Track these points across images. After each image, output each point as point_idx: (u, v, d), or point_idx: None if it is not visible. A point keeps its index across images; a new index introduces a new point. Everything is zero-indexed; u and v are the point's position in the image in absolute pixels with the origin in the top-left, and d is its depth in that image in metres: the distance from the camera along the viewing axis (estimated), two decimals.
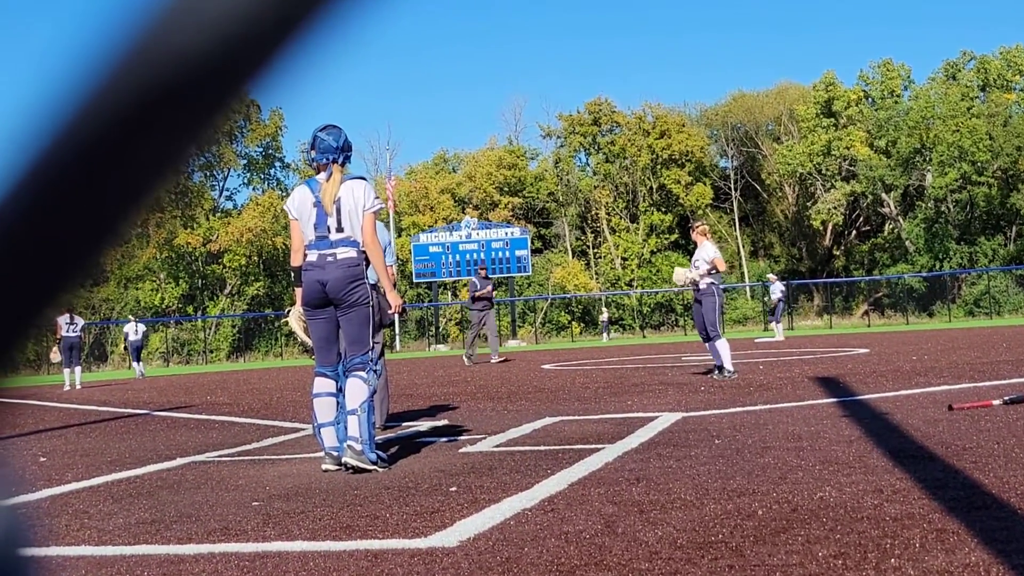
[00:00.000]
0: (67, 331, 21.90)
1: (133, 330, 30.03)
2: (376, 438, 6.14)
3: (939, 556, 3.05)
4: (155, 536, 4.11)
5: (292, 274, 6.31)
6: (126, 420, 11.38)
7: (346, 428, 5.79)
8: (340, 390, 5.98)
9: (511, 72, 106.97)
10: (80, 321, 22.88)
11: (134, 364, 30.68)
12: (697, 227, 12.58)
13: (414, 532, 3.88)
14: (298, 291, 6.16)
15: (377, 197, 6.16)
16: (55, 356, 22.79)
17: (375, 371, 6.01)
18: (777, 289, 30.00)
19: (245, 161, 58.65)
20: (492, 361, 21.41)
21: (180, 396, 15.94)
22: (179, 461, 6.76)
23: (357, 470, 5.67)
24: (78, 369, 22.69)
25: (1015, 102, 56.90)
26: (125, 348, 31.18)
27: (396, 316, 6.72)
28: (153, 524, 4.39)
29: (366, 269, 6.04)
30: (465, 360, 21.32)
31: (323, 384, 6.05)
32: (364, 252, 6.01)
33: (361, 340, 5.94)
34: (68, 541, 4.11)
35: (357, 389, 5.84)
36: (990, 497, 3.92)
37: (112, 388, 21.67)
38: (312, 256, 5.98)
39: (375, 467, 5.71)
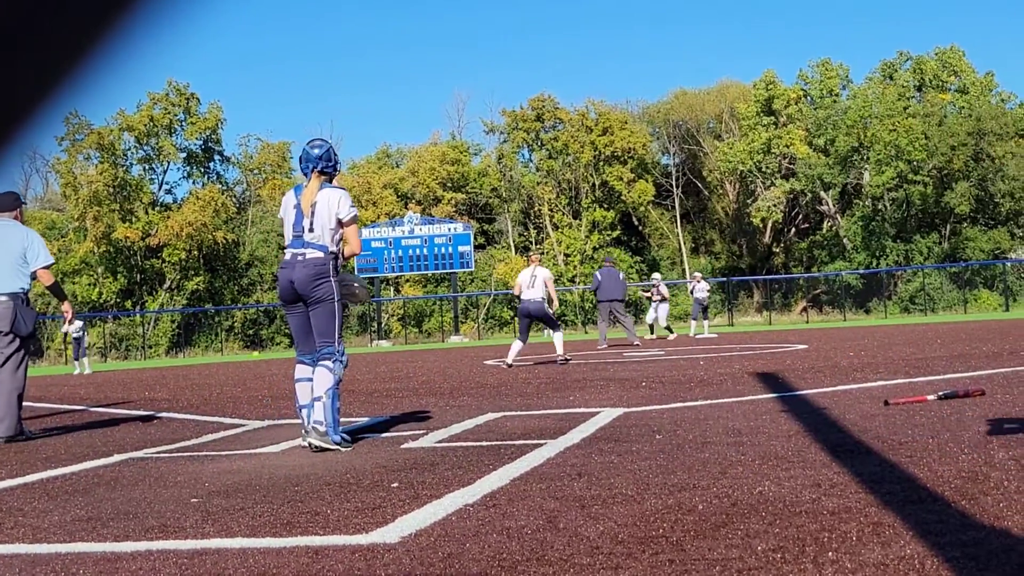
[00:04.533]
0: None
1: (73, 328, 28.83)
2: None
3: (875, 549, 3.09)
4: (91, 534, 4.05)
5: None
6: (62, 416, 11.21)
7: (312, 412, 6.45)
8: None
9: (454, 67, 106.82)
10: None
11: (75, 360, 29.61)
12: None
13: (355, 528, 3.87)
14: None
15: (352, 206, 6.78)
16: None
17: (341, 361, 6.65)
18: (703, 288, 30.24)
19: (185, 154, 57.93)
20: None
21: (118, 392, 15.73)
22: (116, 458, 6.67)
23: (322, 450, 6.31)
24: None
25: (950, 102, 57.84)
26: (66, 344, 30.21)
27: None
28: (89, 521, 4.33)
29: (333, 269, 6.64)
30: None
31: (303, 370, 6.72)
32: (333, 254, 6.64)
33: (327, 333, 6.61)
34: (1, 539, 4.04)
35: (324, 377, 6.52)
36: (925, 491, 3.98)
37: (48, 383, 21.33)
38: (287, 255, 6.69)
39: (338, 447, 6.36)
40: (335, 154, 6.91)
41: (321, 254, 6.58)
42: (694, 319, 30.73)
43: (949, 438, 5.41)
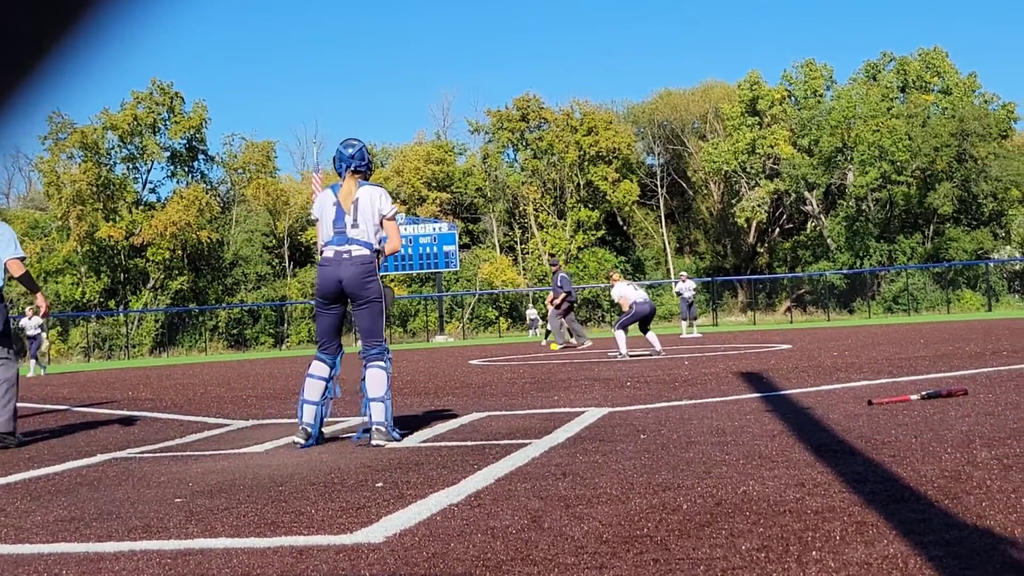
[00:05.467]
0: None
1: (30, 325, 27.55)
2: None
3: (859, 548, 3.10)
4: (74, 534, 4.03)
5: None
6: (45, 416, 11.15)
7: (371, 414, 6.50)
8: (332, 377, 6.76)
9: (439, 67, 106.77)
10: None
11: (30, 359, 27.85)
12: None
13: (339, 528, 3.86)
14: None
15: (394, 204, 6.83)
16: None
17: (389, 359, 6.72)
18: (689, 288, 30.10)
19: (169, 154, 57.72)
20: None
21: (101, 391, 15.66)
22: (99, 458, 6.64)
23: (385, 445, 6.41)
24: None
25: (933, 103, 58.08)
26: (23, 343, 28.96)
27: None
28: (72, 522, 4.31)
29: (378, 267, 6.67)
30: None
31: (319, 368, 6.74)
32: (377, 251, 6.66)
33: (374, 332, 6.68)
34: None
35: (378, 379, 6.58)
36: (908, 490, 4.00)
37: (30, 383, 21.22)
38: (329, 252, 6.62)
39: (398, 442, 6.49)
40: (368, 153, 6.92)
41: (367, 251, 6.58)
42: (684, 319, 30.62)
43: (932, 438, 5.43)
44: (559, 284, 23.76)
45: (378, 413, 6.50)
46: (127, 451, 6.96)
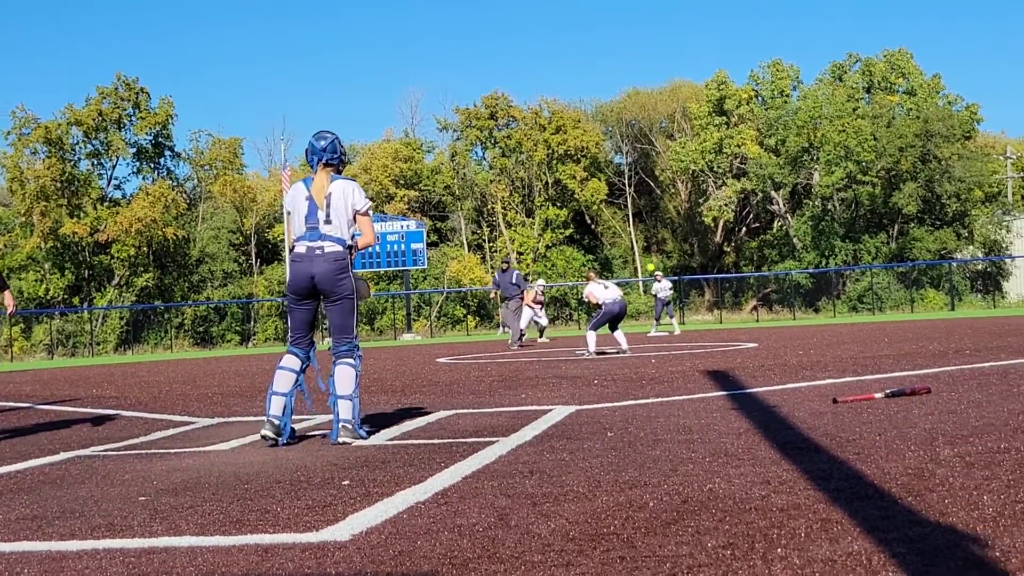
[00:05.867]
0: None
1: None
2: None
3: (823, 545, 3.12)
4: (36, 532, 4.00)
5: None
6: (7, 414, 11.04)
7: (338, 411, 6.49)
8: (303, 371, 6.72)
9: (407, 64, 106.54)
10: None
11: None
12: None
13: (305, 526, 3.85)
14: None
15: (367, 198, 6.77)
16: None
17: (358, 356, 6.68)
18: (665, 287, 30.12)
19: (134, 150, 57.23)
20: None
21: (64, 389, 15.52)
22: (62, 455, 6.58)
23: (352, 442, 6.41)
24: None
25: (898, 104, 58.53)
26: None
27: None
28: (34, 520, 4.27)
29: (351, 262, 6.64)
30: None
31: (290, 360, 6.69)
32: (350, 247, 6.61)
33: (346, 329, 6.64)
34: None
35: (347, 376, 6.55)
36: (872, 487, 4.03)
37: None
38: (301, 248, 6.55)
39: (365, 440, 6.50)
40: (341, 146, 6.84)
41: (340, 247, 6.53)
42: (657, 319, 30.56)
43: (896, 435, 5.47)
44: (515, 282, 23.84)
45: (345, 410, 6.47)
46: (91, 449, 6.90)
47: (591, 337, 16.71)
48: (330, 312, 6.66)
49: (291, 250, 6.66)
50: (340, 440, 6.41)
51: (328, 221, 6.52)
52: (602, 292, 16.70)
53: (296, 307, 6.69)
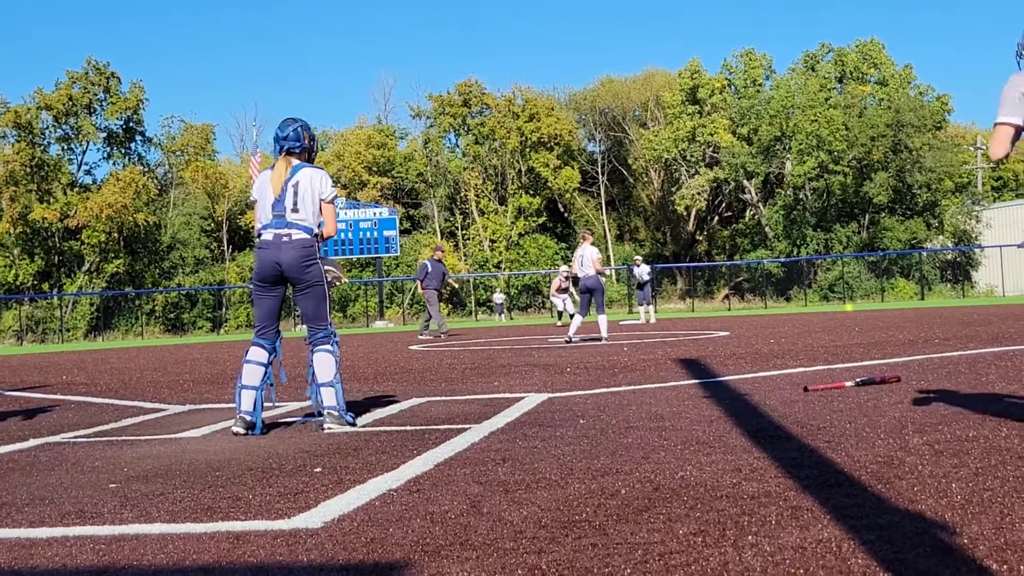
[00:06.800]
0: None
1: None
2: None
3: (794, 532, 3.14)
4: (5, 520, 3.97)
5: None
6: None
7: (322, 399, 6.46)
8: (271, 363, 6.64)
9: (380, 51, 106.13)
10: None
11: None
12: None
13: (277, 513, 3.83)
14: None
15: (333, 186, 6.70)
16: None
17: (336, 342, 6.61)
18: (645, 272, 29.96)
19: (105, 135, 56.78)
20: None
21: (34, 375, 15.41)
22: (32, 442, 6.53)
23: (339, 430, 6.35)
24: None
25: (870, 94, 58.84)
26: None
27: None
28: (3, 507, 4.24)
29: (318, 250, 6.57)
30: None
31: (257, 353, 6.61)
32: (317, 235, 6.55)
33: (320, 316, 6.58)
34: None
35: (327, 363, 6.50)
36: (843, 475, 4.06)
37: None
38: (268, 235, 6.49)
39: (353, 426, 6.46)
40: (305, 134, 6.71)
41: (307, 235, 6.45)
42: (641, 304, 30.29)
43: (866, 423, 5.51)
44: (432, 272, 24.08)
45: (329, 398, 6.44)
46: (60, 436, 6.85)
47: (603, 321, 16.78)
48: (301, 301, 6.60)
49: (258, 237, 6.59)
50: (327, 427, 6.37)
51: (295, 209, 6.45)
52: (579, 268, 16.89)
53: (263, 295, 6.61)
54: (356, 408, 7.75)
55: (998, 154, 4.92)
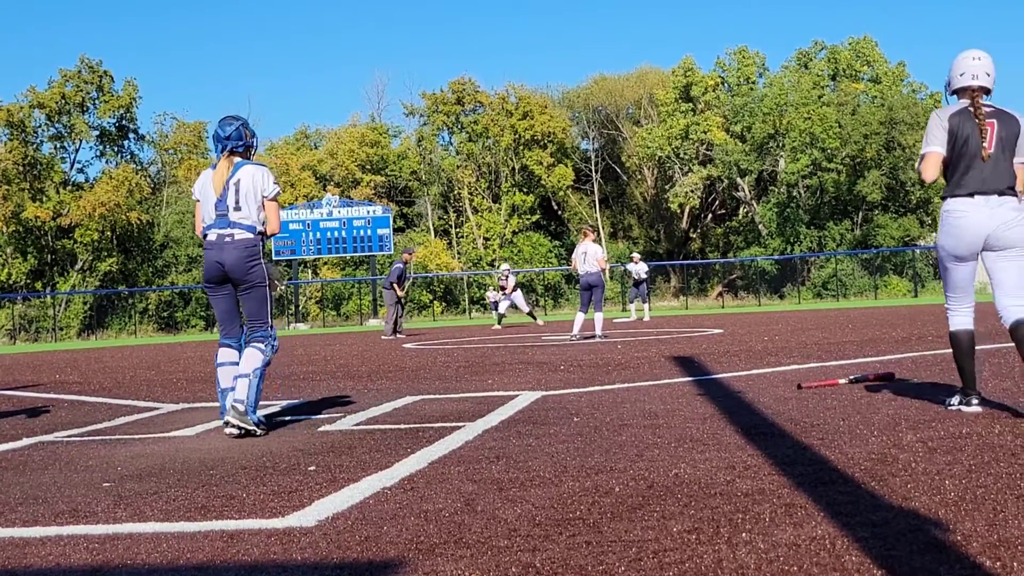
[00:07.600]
0: None
1: None
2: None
3: (788, 530, 3.15)
4: None
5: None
6: None
7: (235, 387, 6.31)
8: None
9: (374, 49, 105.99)
10: None
11: None
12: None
13: (271, 512, 3.83)
14: None
15: (276, 183, 6.60)
16: None
17: (272, 344, 6.57)
18: (642, 270, 29.79)
19: (98, 133, 56.65)
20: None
21: (27, 374, 15.38)
22: (25, 441, 6.52)
23: (243, 432, 6.16)
24: None
25: (863, 92, 58.89)
26: None
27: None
28: None
29: (262, 249, 6.48)
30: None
31: (227, 354, 6.61)
32: (260, 234, 6.46)
33: (260, 315, 6.54)
34: None
35: (253, 357, 6.41)
36: (836, 472, 4.07)
37: None
38: (212, 236, 6.43)
39: (255, 428, 6.21)
40: (248, 132, 6.64)
41: (250, 235, 6.39)
42: (643, 301, 30.04)
43: (859, 421, 5.52)
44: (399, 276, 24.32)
45: (242, 389, 6.28)
46: (54, 435, 6.84)
47: (599, 318, 16.81)
48: (244, 300, 6.55)
49: (204, 238, 6.52)
50: (225, 419, 6.25)
51: (237, 208, 6.38)
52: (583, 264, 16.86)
53: (215, 296, 6.57)
54: (349, 406, 7.74)
55: (931, 178, 6.04)
